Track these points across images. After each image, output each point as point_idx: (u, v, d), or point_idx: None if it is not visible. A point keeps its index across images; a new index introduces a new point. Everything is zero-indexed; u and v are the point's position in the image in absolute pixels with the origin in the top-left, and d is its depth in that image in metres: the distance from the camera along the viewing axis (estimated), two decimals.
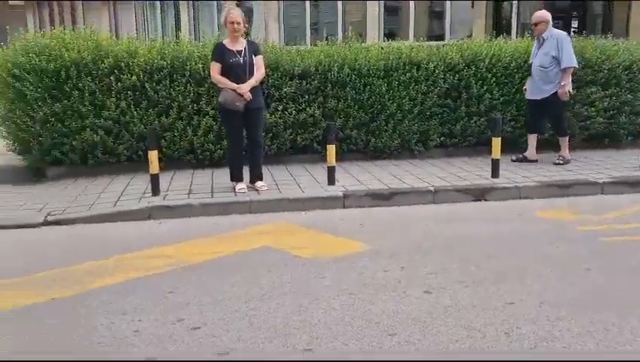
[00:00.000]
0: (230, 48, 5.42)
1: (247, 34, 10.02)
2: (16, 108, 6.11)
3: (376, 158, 7.23)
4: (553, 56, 6.52)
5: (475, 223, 4.77)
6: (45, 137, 6.15)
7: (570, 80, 6.68)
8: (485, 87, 7.20)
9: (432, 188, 5.66)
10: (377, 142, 7.16)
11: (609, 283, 3.31)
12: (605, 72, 7.40)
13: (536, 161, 6.82)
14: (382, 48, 7.51)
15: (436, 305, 3.02)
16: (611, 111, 7.50)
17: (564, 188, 5.81)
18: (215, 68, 5.43)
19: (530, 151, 6.92)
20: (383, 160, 7.18)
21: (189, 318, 2.87)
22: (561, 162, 6.72)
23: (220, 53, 5.42)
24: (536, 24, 6.78)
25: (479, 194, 5.70)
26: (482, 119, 7.27)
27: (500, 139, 6.09)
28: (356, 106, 7.03)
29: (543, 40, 6.67)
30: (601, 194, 5.81)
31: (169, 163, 6.60)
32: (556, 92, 6.55)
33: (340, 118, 7.00)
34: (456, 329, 2.74)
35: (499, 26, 13.29)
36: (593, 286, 3.27)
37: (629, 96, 7.51)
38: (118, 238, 4.40)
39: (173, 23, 21.31)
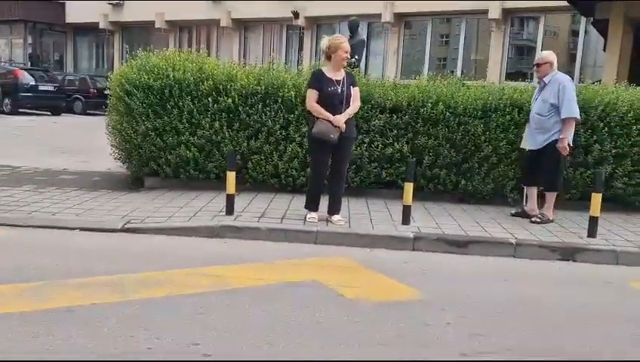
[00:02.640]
0: (329, 77, 5.30)
1: (355, 66, 10.21)
2: (124, 120, 6.69)
3: (464, 202, 6.87)
4: (552, 103, 5.78)
5: (550, 287, 4.28)
6: (145, 149, 6.65)
7: (573, 132, 5.93)
8: (595, 137, 6.55)
9: (513, 241, 5.21)
10: (468, 184, 6.79)
11: None
12: None
13: (539, 217, 6.00)
14: (483, 87, 7.18)
15: None
16: None
17: None
18: (312, 96, 5.27)
19: (531, 206, 6.19)
20: (471, 204, 6.79)
21: (204, 344, 2.86)
22: (538, 221, 5.94)
23: (319, 80, 5.29)
24: (538, 65, 6.01)
25: (567, 253, 5.14)
26: (589, 172, 6.61)
27: (600, 194, 5.48)
28: (448, 145, 6.75)
29: (544, 84, 5.93)
30: None
31: (254, 185, 6.81)
32: (552, 143, 5.81)
33: (429, 156, 6.76)
34: None
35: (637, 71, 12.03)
36: None
37: None
38: (180, 252, 4.57)
39: (297, 47, 22.34)
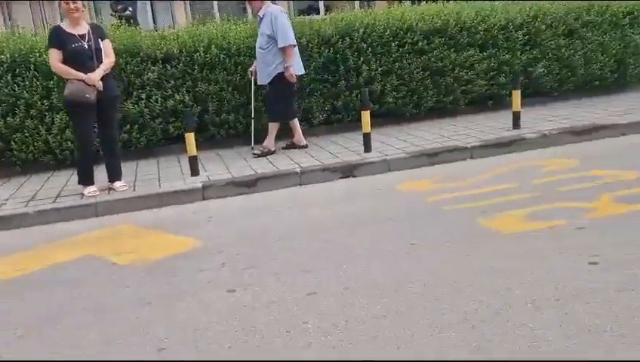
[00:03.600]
0: (70, 32, 4.81)
1: (129, 17, 9.39)
2: None
3: (257, 142, 6.94)
4: (269, 35, 5.83)
5: (329, 205, 4.56)
6: None
7: (298, 60, 6.06)
8: (362, 59, 6.99)
9: (298, 170, 5.42)
10: (257, 125, 6.85)
11: (429, 259, 3.16)
12: (482, 33, 7.33)
13: (260, 149, 6.16)
14: (250, 25, 7.15)
15: (233, 306, 2.78)
16: (491, 73, 7.46)
17: (433, 157, 5.70)
18: (54, 55, 4.79)
19: (297, 138, 6.32)
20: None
21: None
22: (259, 153, 6.06)
23: (59, 37, 4.78)
24: (250, 0, 6.12)
25: (347, 171, 5.50)
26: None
27: (368, 112, 5.90)
28: (230, 88, 6.67)
29: (261, 18, 6.00)
30: (471, 158, 5.74)
31: (25, 166, 6.10)
32: (279, 75, 5.89)
33: (214, 102, 6.64)
34: (235, 334, 2.50)
35: None
36: (414, 264, 3.10)
37: (506, 56, 7.47)
38: None
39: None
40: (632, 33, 7.89)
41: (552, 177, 4.66)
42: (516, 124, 6.32)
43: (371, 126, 7.25)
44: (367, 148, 5.91)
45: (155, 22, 14.15)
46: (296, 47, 6.09)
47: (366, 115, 5.87)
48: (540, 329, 2.27)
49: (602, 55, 7.81)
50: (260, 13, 5.99)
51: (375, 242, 3.51)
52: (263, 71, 6.06)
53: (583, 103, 7.58)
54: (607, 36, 7.80)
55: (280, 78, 5.94)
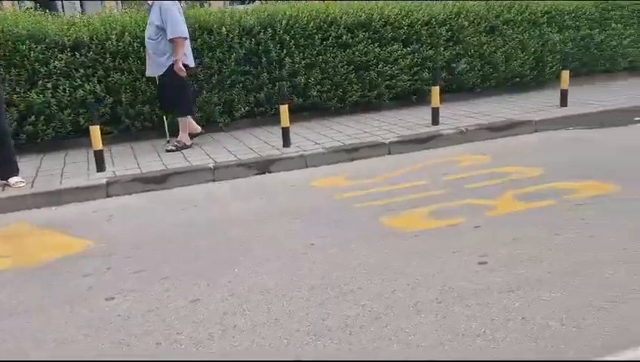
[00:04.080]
0: None
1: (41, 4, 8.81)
2: None
3: (174, 136, 6.68)
4: (157, 25, 5.57)
5: (235, 202, 4.41)
6: None
7: (189, 52, 5.85)
8: (285, 51, 6.84)
9: (211, 166, 5.23)
10: (173, 117, 6.58)
11: (324, 260, 3.08)
12: (405, 28, 7.34)
13: (175, 145, 5.89)
14: None
15: (107, 316, 2.60)
16: (415, 68, 7.50)
17: (352, 153, 5.65)
18: None
19: (193, 128, 6.05)
20: None
21: None
22: (174, 148, 5.81)
23: None
24: None
25: (264, 166, 5.36)
26: (286, 85, 6.94)
27: (286, 106, 5.78)
28: (145, 79, 6.36)
29: (150, 7, 5.75)
30: (389, 154, 5.73)
31: None
32: (170, 67, 5.64)
33: (127, 93, 6.32)
34: (101, 348, 2.33)
35: None
36: (309, 266, 3.01)
37: (430, 51, 7.52)
38: None
39: None
40: (550, 32, 8.13)
41: (463, 174, 4.70)
42: (435, 120, 6.37)
43: (296, 120, 7.16)
44: (286, 143, 5.79)
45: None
46: (188, 39, 5.82)
47: (284, 110, 5.74)
48: (416, 335, 2.22)
49: (522, 52, 8.02)
50: (150, 2, 5.73)
51: (276, 242, 3.40)
52: (153, 62, 5.79)
53: (503, 99, 7.76)
54: (527, 34, 8.01)
55: (172, 71, 5.68)
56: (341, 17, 7.06)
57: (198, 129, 6.18)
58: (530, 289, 2.53)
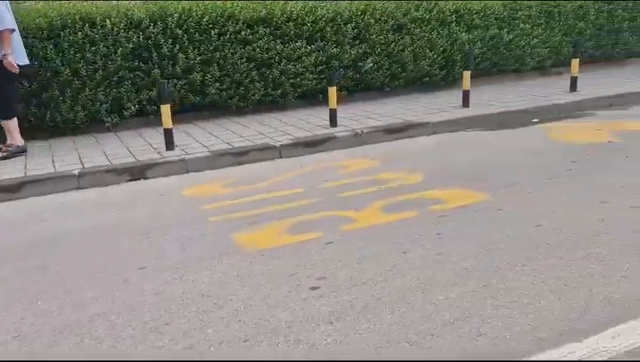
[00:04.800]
0: None
1: None
2: None
3: (60, 136, 6.20)
4: None
5: (87, 216, 4.00)
6: None
7: (20, 48, 5.33)
8: (178, 47, 6.44)
9: (76, 172, 4.80)
10: (55, 115, 6.08)
11: (145, 288, 2.76)
12: (309, 25, 7.08)
13: (5, 151, 5.32)
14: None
15: None
16: (320, 67, 7.26)
17: (241, 156, 5.35)
18: None
19: (16, 138, 5.43)
20: (65, 137, 6.17)
21: None
22: (5, 156, 5.27)
23: None
24: None
25: (139, 172, 4.98)
26: (181, 82, 6.56)
27: (168, 106, 5.40)
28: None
29: None
30: (279, 158, 5.46)
31: None
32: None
33: None
34: None
35: None
36: (126, 295, 2.68)
37: (335, 49, 7.30)
38: None
39: None
40: (459, 31, 8.07)
41: (345, 180, 4.49)
42: (334, 121, 6.15)
43: (193, 119, 6.82)
44: (170, 145, 5.43)
45: None
46: (16, 32, 5.31)
47: (166, 110, 5.37)
48: None
49: (431, 52, 7.93)
50: None
51: (101, 267, 3.04)
52: None
53: (411, 99, 7.65)
54: (435, 33, 7.92)
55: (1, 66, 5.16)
56: (240, 12, 6.72)
57: (22, 143, 5.48)
58: (350, 320, 2.31)
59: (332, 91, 6.10)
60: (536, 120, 6.53)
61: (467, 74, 6.78)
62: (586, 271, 2.62)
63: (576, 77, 7.41)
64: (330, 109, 6.14)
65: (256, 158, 5.38)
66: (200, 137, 5.92)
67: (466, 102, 6.83)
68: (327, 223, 3.49)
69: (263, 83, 7.00)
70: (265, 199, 4.08)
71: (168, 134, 5.41)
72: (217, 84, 6.74)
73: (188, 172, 5.10)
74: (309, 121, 6.49)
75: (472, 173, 4.44)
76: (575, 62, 7.37)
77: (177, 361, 2.12)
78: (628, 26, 9.39)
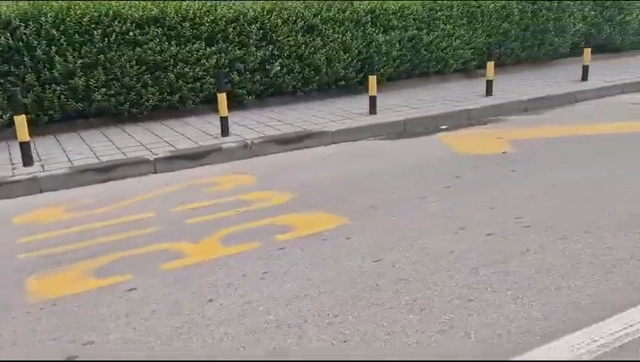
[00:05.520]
0: None
1: None
2: None
3: None
4: None
5: None
6: None
7: None
8: (55, 49, 5.85)
9: None
10: None
11: None
12: (208, 25, 6.57)
13: None
14: None
15: None
16: (224, 70, 6.75)
17: (106, 172, 4.82)
18: None
19: None
20: None
21: None
22: None
23: None
24: None
25: None
26: (60, 87, 5.97)
27: (24, 116, 4.85)
28: None
29: None
30: (153, 173, 4.95)
31: None
32: None
33: None
34: None
35: None
36: None
37: (239, 51, 6.82)
38: None
39: None
40: (375, 32, 7.69)
41: (204, 202, 4.01)
42: (225, 130, 5.67)
43: (78, 127, 6.25)
44: (27, 161, 4.86)
45: None
46: None
47: (21, 121, 4.80)
48: None
49: (345, 54, 7.52)
50: None
51: None
52: None
53: (325, 104, 7.25)
54: (350, 34, 7.52)
55: None
56: (127, 11, 6.16)
57: None
58: None
59: (222, 98, 5.62)
60: (444, 126, 6.20)
61: (373, 79, 6.39)
62: (404, 322, 2.22)
63: (492, 80, 7.12)
64: (221, 117, 5.67)
65: (127, 174, 4.87)
66: (73, 149, 5.36)
67: (372, 109, 6.44)
68: (149, 260, 3.01)
69: (157, 87, 6.47)
70: (96, 229, 3.57)
71: (25, 148, 4.86)
72: (104, 89, 6.18)
73: (42, 192, 4.54)
74: (204, 130, 6.01)
75: (345, 191, 4.04)
76: (490, 65, 7.07)
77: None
78: (553, 27, 9.18)
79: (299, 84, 7.38)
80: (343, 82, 7.70)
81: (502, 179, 4.09)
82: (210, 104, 6.85)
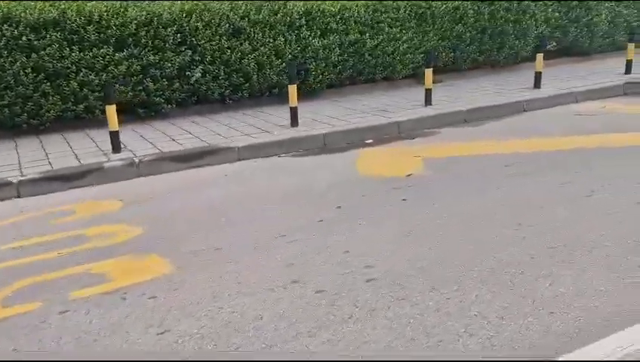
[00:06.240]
0: None
1: None
2: None
3: None
4: None
5: None
6: None
7: None
8: None
9: None
10: None
11: None
12: (115, 28, 6.01)
13: None
14: None
15: None
16: (137, 77, 6.19)
17: None
18: None
19: None
20: None
21: None
22: None
23: None
24: None
25: None
26: None
27: None
28: None
29: None
30: (18, 197, 4.39)
31: None
32: None
33: None
34: None
35: None
36: None
37: (154, 57, 6.24)
38: None
39: None
40: (310, 36, 7.11)
41: (35, 239, 3.44)
42: (116, 146, 5.12)
43: None
44: None
45: None
46: None
47: None
48: None
49: (278, 59, 6.94)
50: None
51: None
52: None
53: (255, 113, 6.68)
54: (282, 38, 6.94)
55: None
56: (20, 13, 5.60)
57: None
58: None
59: (110, 111, 5.07)
60: (370, 141, 5.62)
61: (292, 88, 5.80)
62: None
63: (431, 89, 6.52)
64: (111, 132, 5.10)
65: None
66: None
67: (294, 121, 5.86)
68: None
69: (60, 97, 5.91)
70: None
71: None
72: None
73: None
74: (99, 145, 5.44)
75: (199, 225, 3.47)
76: (428, 72, 6.48)
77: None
78: (513, 29, 8.57)
79: (227, 91, 6.81)
80: (276, 90, 7.12)
81: (384, 212, 3.51)
82: (125, 114, 6.29)
